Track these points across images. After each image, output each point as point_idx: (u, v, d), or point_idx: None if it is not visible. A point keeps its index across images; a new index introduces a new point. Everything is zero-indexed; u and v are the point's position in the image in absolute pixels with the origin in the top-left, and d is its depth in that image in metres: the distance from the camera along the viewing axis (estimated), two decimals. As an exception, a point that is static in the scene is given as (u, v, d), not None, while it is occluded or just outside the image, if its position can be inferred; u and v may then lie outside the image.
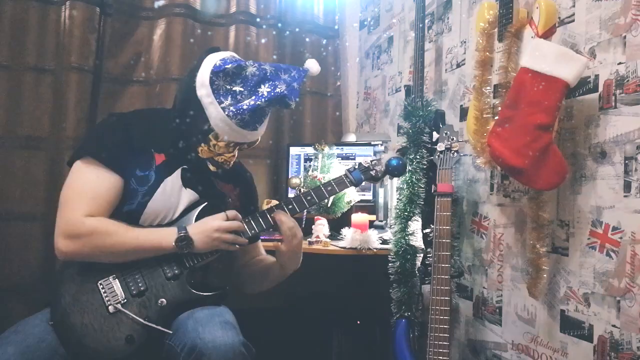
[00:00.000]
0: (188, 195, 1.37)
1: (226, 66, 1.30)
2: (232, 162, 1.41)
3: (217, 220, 1.30)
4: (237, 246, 1.34)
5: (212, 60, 1.32)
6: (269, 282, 1.51)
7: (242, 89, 1.31)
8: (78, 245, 1.23)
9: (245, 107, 1.29)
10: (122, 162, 1.30)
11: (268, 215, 1.38)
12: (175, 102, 1.42)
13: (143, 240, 1.26)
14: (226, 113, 1.29)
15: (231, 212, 1.33)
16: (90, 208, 1.25)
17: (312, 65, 1.40)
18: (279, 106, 1.36)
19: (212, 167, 1.40)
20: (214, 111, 1.29)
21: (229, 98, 1.30)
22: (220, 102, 1.29)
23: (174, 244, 1.25)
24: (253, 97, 1.30)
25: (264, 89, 1.31)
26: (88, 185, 1.27)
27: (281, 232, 1.37)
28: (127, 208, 1.30)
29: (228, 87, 1.30)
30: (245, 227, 1.36)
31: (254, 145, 1.43)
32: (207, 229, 1.29)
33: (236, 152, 1.40)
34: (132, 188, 1.30)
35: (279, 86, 1.31)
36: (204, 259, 1.32)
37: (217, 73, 1.30)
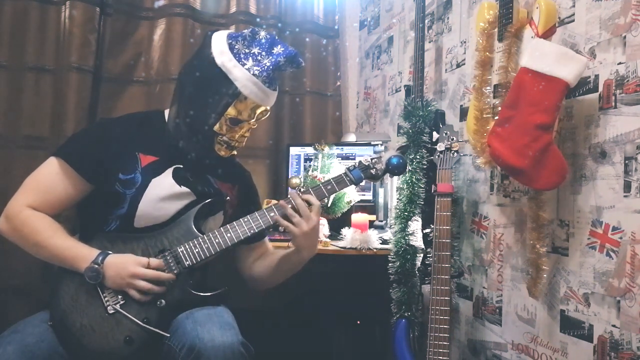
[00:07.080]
0: (184, 194, 1.37)
1: (243, 32, 1.38)
2: (244, 142, 1.43)
3: (136, 266, 1.24)
4: (147, 295, 1.25)
5: (222, 34, 1.39)
6: (285, 272, 1.46)
7: (260, 51, 1.37)
8: (9, 229, 1.30)
9: (268, 64, 1.35)
10: (93, 168, 1.31)
11: (267, 215, 1.36)
12: (176, 98, 1.41)
13: (60, 254, 1.27)
14: (252, 73, 1.33)
15: (154, 261, 1.26)
16: (37, 201, 1.30)
17: None
18: (292, 65, 1.41)
19: (223, 152, 1.40)
20: (239, 73, 1.33)
21: (250, 60, 1.35)
22: (243, 65, 1.34)
23: (83, 271, 1.23)
24: (271, 57, 1.37)
25: (278, 49, 1.38)
26: (46, 180, 1.32)
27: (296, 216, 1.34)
28: (119, 212, 1.31)
29: (247, 50, 1.36)
30: (168, 274, 1.27)
31: (264, 117, 1.44)
32: (122, 271, 1.23)
33: (248, 132, 1.42)
34: (120, 192, 1.31)
35: (289, 47, 1.40)
36: (202, 259, 1.32)
37: (235, 38, 1.37)
